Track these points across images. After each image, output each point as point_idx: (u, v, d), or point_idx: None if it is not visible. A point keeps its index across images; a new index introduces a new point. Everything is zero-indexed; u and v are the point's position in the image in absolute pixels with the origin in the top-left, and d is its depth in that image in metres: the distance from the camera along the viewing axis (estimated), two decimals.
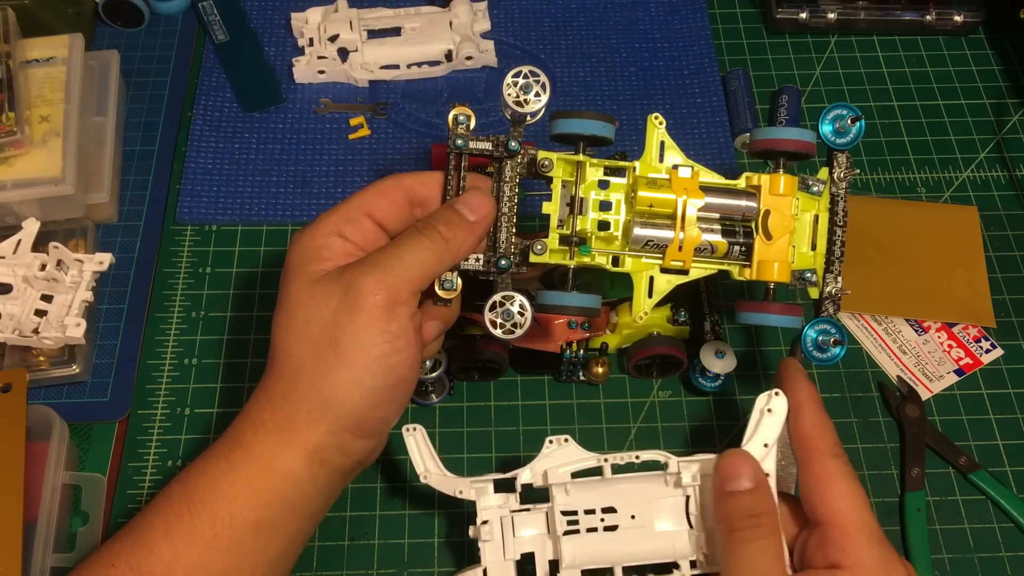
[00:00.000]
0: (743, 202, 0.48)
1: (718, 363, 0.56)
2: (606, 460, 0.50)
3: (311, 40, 0.73)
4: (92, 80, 0.68)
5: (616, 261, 0.48)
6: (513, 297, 0.46)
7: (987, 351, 0.61)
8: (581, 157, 0.47)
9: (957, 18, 0.76)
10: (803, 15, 0.76)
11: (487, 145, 0.48)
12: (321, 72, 0.73)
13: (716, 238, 0.48)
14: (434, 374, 0.55)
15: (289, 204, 0.67)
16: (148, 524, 0.43)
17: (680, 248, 0.47)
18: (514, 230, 0.48)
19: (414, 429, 0.53)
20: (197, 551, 0.42)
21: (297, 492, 0.44)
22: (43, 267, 0.59)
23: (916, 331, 0.62)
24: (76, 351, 0.59)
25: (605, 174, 0.49)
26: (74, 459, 0.57)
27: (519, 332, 0.46)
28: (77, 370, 0.59)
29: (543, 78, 0.47)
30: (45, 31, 0.68)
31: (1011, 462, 0.58)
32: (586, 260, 0.48)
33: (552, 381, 0.61)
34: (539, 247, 0.47)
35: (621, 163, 0.49)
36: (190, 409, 0.59)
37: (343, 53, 0.73)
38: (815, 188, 0.49)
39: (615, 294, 0.56)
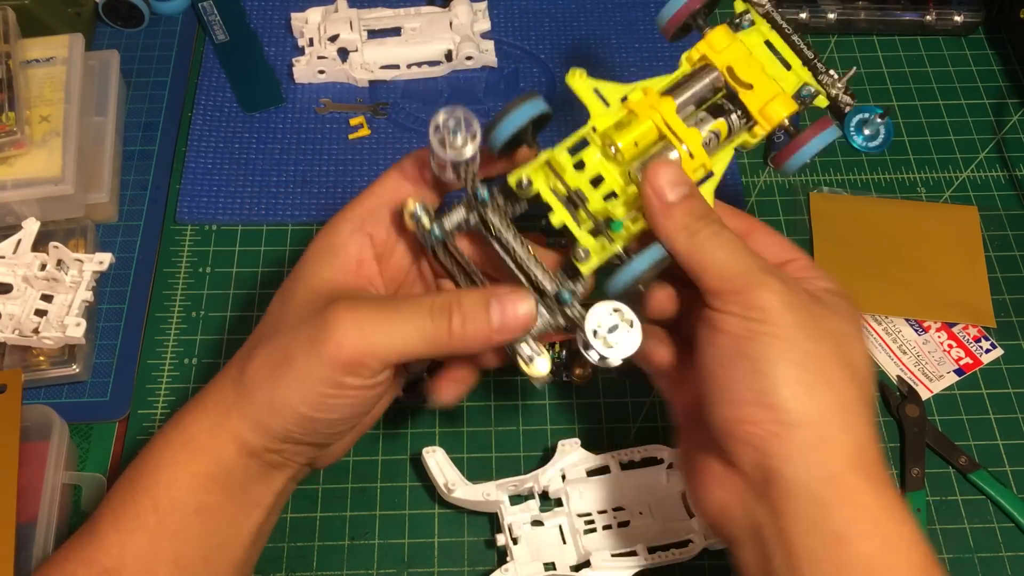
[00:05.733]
0: (706, 79, 0.47)
1: None
2: (613, 457, 0.55)
3: (311, 40, 0.73)
4: (92, 80, 0.68)
5: None
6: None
7: (987, 351, 0.61)
8: (544, 155, 0.44)
9: (957, 18, 0.76)
10: (803, 15, 0.76)
11: (461, 213, 0.44)
12: (321, 72, 0.73)
13: (712, 123, 0.46)
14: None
15: (289, 204, 0.67)
16: (99, 517, 0.42)
17: (692, 155, 0.45)
18: (541, 262, 0.44)
19: (434, 451, 0.53)
20: (144, 539, 0.41)
21: (231, 479, 0.42)
22: (43, 267, 0.59)
23: (916, 331, 0.62)
24: (76, 351, 0.59)
25: (573, 154, 0.45)
26: (74, 459, 0.57)
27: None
28: (77, 370, 0.59)
29: (466, 116, 0.42)
30: (45, 31, 0.68)
31: (1011, 462, 0.58)
32: (629, 232, 0.44)
33: (551, 381, 0.60)
34: (582, 253, 0.44)
35: (579, 133, 0.45)
36: None
37: (343, 53, 0.73)
38: (745, 22, 0.48)
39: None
